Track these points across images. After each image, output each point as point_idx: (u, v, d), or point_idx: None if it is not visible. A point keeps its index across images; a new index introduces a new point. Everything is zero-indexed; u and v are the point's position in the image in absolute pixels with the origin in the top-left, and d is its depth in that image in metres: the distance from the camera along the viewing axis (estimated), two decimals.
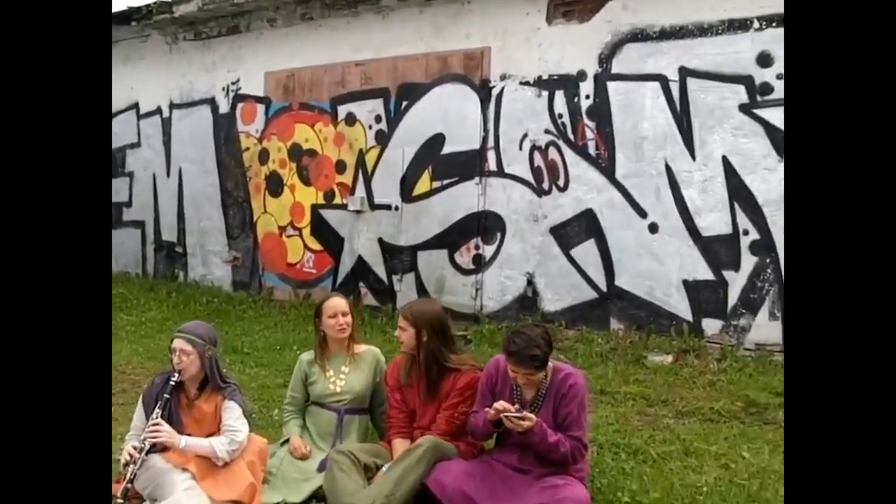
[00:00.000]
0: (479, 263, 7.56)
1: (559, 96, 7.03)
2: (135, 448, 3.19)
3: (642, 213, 6.58)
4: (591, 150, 6.85)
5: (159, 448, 3.25)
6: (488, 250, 7.50)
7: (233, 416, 3.35)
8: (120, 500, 3.07)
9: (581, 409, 3.21)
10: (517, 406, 3.12)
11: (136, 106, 10.63)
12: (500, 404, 3.09)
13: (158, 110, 10.34)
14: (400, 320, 3.65)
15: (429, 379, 3.55)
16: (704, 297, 6.30)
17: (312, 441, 3.75)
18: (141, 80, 10.51)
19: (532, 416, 3.09)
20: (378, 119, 8.24)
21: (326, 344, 3.85)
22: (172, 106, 10.18)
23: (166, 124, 10.26)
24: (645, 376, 5.67)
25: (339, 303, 3.84)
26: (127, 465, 3.18)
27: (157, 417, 3.27)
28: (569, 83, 6.96)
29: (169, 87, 10.18)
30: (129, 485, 3.14)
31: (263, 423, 4.43)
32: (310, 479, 3.48)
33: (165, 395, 3.34)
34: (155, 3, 9.53)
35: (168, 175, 10.29)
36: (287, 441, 3.79)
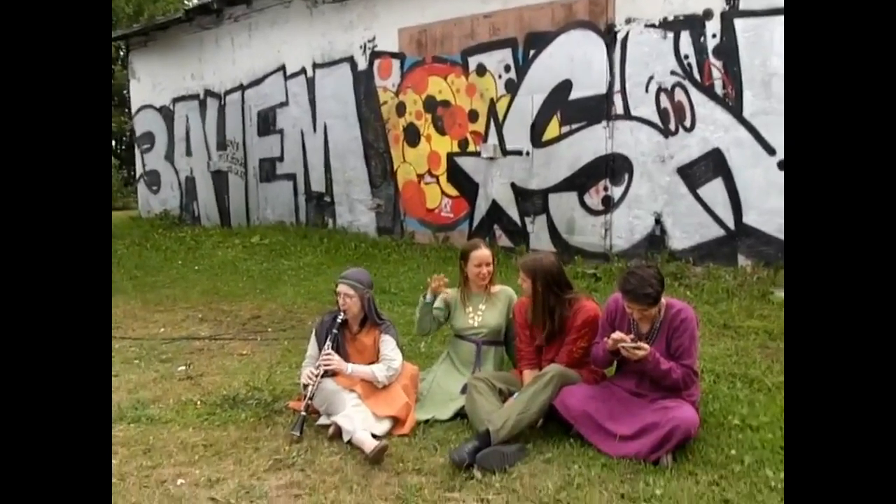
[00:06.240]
0: (608, 204, 7.81)
1: (685, 37, 7.06)
2: (312, 373, 3.88)
3: (771, 151, 6.59)
4: (718, 90, 6.88)
5: (331, 373, 3.91)
6: (617, 191, 7.74)
7: (388, 347, 3.98)
8: (303, 414, 3.78)
9: (692, 340, 3.54)
10: (633, 336, 3.50)
11: (282, 68, 11.48)
12: (617, 335, 3.48)
13: (303, 70, 11.12)
14: (520, 272, 4.04)
15: (549, 322, 3.95)
16: None
17: (455, 368, 4.29)
18: (286, 43, 11.32)
19: (646, 345, 3.46)
20: (507, 69, 8.56)
21: (468, 285, 4.34)
22: (315, 66, 10.92)
23: (310, 83, 11.04)
24: (770, 311, 5.78)
25: (484, 254, 4.25)
26: (306, 386, 3.89)
27: (328, 349, 3.94)
28: (694, 23, 6.98)
29: (311, 47, 10.91)
30: (309, 401, 3.84)
31: (412, 354, 4.99)
32: (454, 399, 4.04)
33: (334, 331, 4.00)
34: None
35: (314, 130, 11.12)
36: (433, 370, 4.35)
